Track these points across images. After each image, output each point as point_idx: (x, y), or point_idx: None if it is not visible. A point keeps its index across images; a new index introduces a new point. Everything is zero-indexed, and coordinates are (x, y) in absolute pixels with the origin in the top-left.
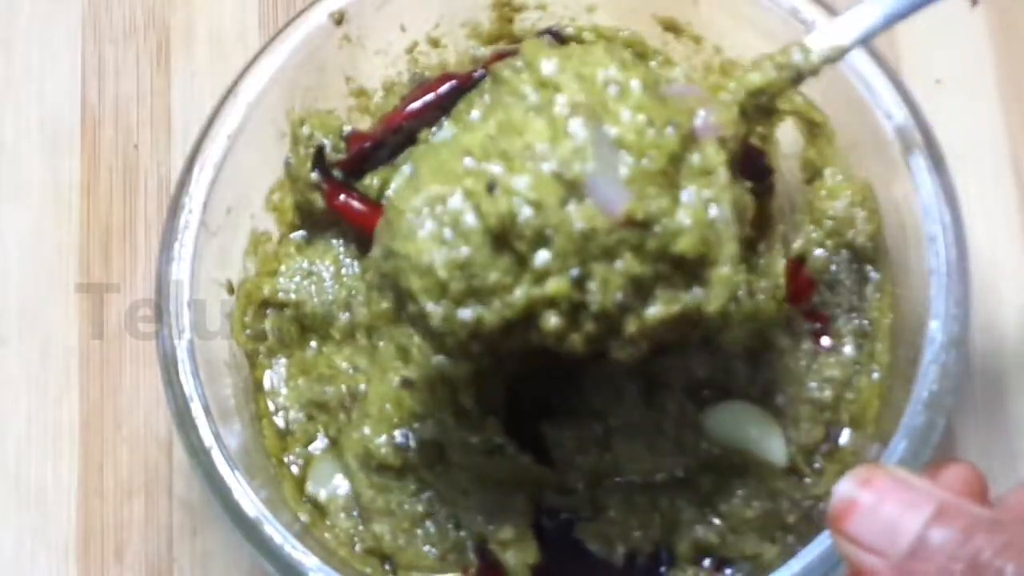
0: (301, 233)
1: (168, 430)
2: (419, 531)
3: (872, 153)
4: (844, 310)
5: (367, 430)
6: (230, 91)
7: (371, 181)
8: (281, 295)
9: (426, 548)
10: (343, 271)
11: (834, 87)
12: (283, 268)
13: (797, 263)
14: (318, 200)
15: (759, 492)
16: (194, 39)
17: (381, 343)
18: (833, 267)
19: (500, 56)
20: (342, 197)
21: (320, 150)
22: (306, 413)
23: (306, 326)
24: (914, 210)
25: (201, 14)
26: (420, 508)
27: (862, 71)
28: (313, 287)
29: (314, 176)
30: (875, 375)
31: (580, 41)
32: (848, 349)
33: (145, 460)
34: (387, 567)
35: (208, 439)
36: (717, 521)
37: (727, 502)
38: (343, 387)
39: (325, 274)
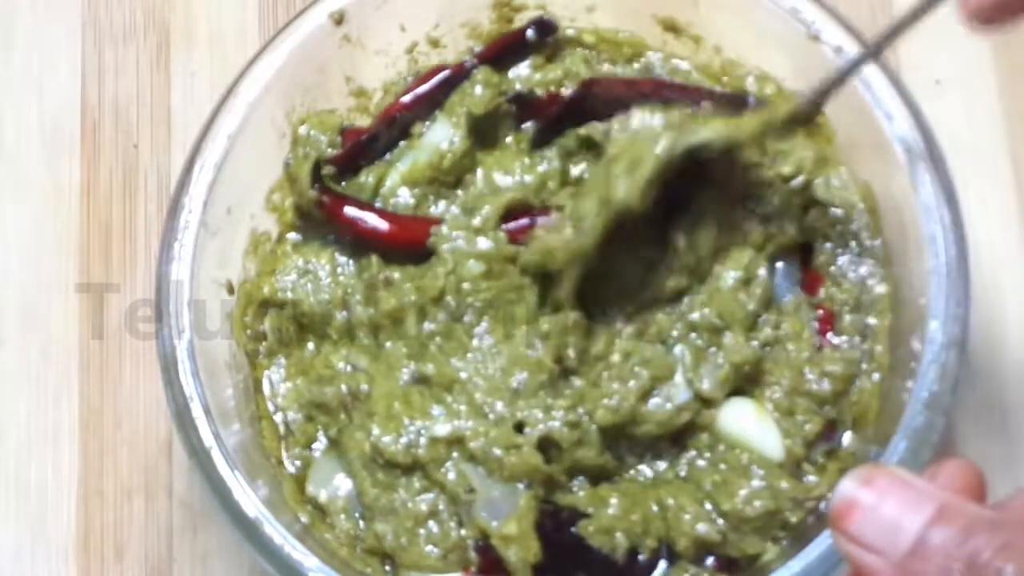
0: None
1: (168, 430)
2: (422, 531)
3: (872, 153)
4: (850, 308)
5: (376, 429)
6: (230, 91)
7: (366, 178)
8: (279, 294)
9: (428, 548)
10: (339, 270)
11: (834, 87)
12: (281, 267)
13: (806, 250)
14: (313, 198)
15: (761, 491)
16: (194, 39)
17: (388, 343)
18: (839, 261)
19: (496, 46)
20: (349, 210)
21: (316, 165)
22: (305, 414)
23: (304, 325)
24: (914, 210)
25: (201, 14)
26: (424, 507)
27: (862, 71)
28: (310, 285)
29: (313, 193)
30: (875, 375)
31: (580, 42)
32: (852, 347)
33: (145, 460)
34: (387, 567)
35: (208, 439)
36: (719, 520)
37: (729, 501)
38: (343, 387)
39: (321, 273)
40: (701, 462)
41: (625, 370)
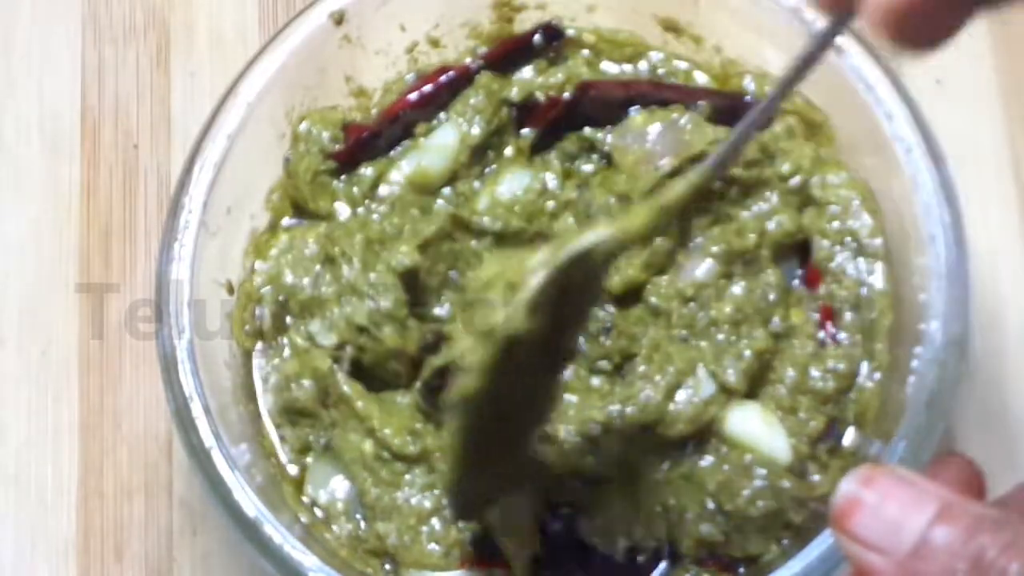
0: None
1: (168, 430)
2: (425, 528)
3: (872, 153)
4: (850, 305)
5: (377, 424)
6: (230, 91)
7: (365, 171)
8: (267, 274)
9: (431, 546)
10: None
11: (834, 87)
12: (268, 248)
13: (802, 248)
14: (312, 197)
15: (763, 491)
16: (194, 39)
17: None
18: (838, 259)
19: (501, 49)
20: None
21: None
22: (288, 419)
23: (288, 308)
24: (914, 210)
25: (201, 14)
26: (428, 504)
27: (862, 71)
28: (291, 256)
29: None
30: (876, 374)
31: (580, 42)
32: (853, 343)
33: (145, 460)
34: (387, 566)
35: (208, 439)
36: (722, 519)
37: (731, 501)
38: (305, 383)
39: (307, 251)
40: (703, 463)
41: (651, 368)
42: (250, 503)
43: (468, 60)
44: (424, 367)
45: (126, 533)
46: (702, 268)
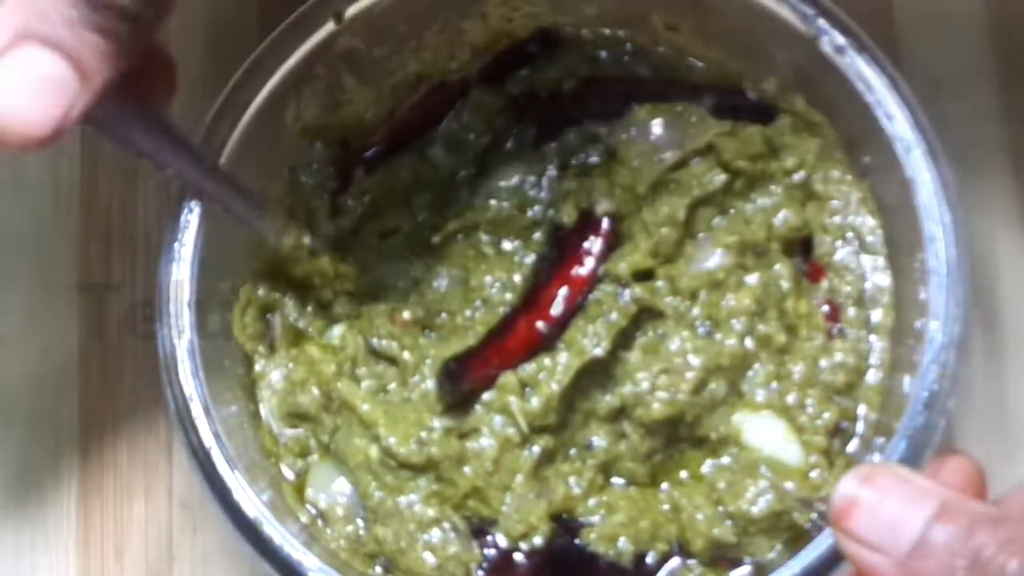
0: None
1: (168, 430)
2: (424, 536)
3: (872, 153)
4: (853, 301)
5: (383, 432)
6: (230, 91)
7: (360, 179)
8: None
9: (426, 554)
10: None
11: (834, 87)
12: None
13: (804, 243)
14: (316, 208)
15: (769, 492)
16: (194, 38)
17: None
18: (839, 255)
19: (498, 60)
20: None
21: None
22: (289, 423)
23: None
24: (914, 210)
25: (201, 13)
26: (432, 512)
27: (862, 71)
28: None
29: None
30: (878, 373)
31: (579, 40)
32: (858, 339)
33: (145, 460)
34: (381, 570)
35: (208, 439)
36: (729, 522)
37: (735, 502)
38: (315, 390)
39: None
40: (710, 462)
41: (679, 362)
42: (250, 503)
43: (464, 73)
44: (431, 360)
45: (126, 533)
46: (713, 259)
